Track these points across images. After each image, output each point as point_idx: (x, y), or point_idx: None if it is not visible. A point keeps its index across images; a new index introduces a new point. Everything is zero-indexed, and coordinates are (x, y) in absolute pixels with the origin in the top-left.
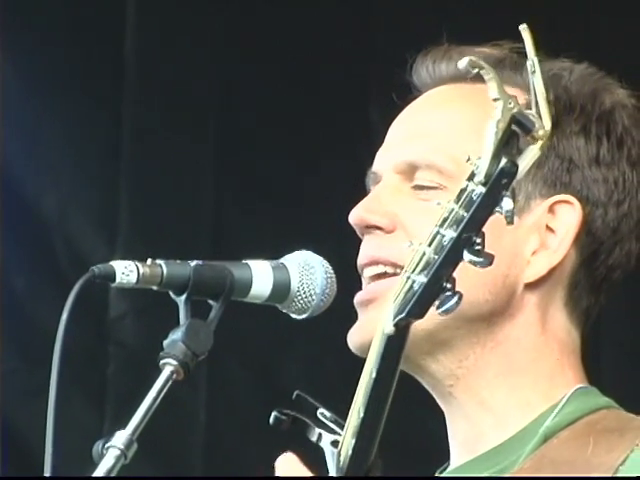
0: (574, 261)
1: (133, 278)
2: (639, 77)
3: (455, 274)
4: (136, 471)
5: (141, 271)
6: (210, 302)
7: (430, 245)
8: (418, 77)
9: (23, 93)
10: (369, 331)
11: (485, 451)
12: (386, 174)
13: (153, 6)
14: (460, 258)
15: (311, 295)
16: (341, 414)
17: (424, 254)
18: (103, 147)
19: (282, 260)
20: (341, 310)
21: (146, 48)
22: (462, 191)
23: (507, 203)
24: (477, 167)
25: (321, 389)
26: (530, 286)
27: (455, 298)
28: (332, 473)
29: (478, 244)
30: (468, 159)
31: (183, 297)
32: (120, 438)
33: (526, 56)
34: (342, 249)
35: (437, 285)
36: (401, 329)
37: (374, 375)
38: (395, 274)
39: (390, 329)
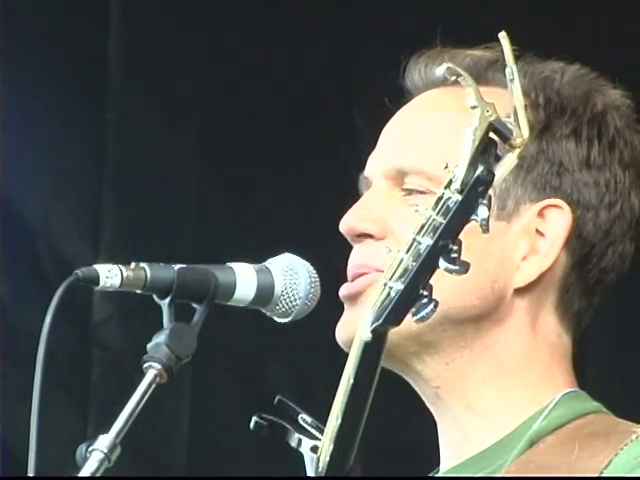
0: (565, 265)
1: (117, 281)
2: (638, 77)
3: (440, 279)
4: (120, 474)
5: (125, 274)
6: (194, 305)
7: (408, 252)
8: (410, 80)
9: (5, 97)
10: (355, 327)
11: (473, 455)
12: (376, 179)
13: (138, 7)
14: (436, 266)
15: (295, 298)
16: (326, 419)
17: (402, 261)
18: (86, 151)
19: (266, 263)
20: (325, 314)
21: (130, 50)
22: (439, 199)
23: (482, 211)
24: (454, 175)
25: (305, 394)
26: (520, 291)
27: (431, 306)
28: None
29: (454, 252)
30: (446, 166)
31: (167, 300)
32: (104, 441)
33: (518, 58)
34: (326, 253)
35: (414, 292)
36: (378, 336)
37: (352, 381)
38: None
39: (367, 336)
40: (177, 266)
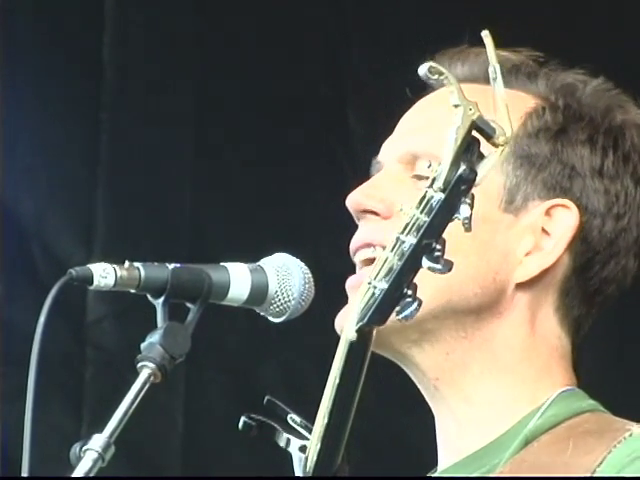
0: (567, 267)
1: (111, 281)
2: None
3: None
4: (114, 474)
5: (119, 274)
6: (188, 305)
7: (392, 251)
8: (430, 82)
9: (1, 97)
10: None
11: (469, 454)
12: (388, 163)
13: (133, 7)
14: (420, 265)
15: (289, 298)
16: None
17: (386, 260)
18: (80, 151)
19: (260, 263)
20: (319, 314)
21: (125, 51)
22: (423, 197)
23: (465, 210)
24: (438, 173)
25: (299, 394)
26: (521, 286)
27: (415, 304)
28: None
29: (438, 250)
30: (429, 165)
31: (161, 300)
32: (97, 441)
33: (543, 64)
34: (320, 252)
35: (398, 292)
36: (363, 335)
37: (337, 381)
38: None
39: (352, 335)
40: (171, 266)
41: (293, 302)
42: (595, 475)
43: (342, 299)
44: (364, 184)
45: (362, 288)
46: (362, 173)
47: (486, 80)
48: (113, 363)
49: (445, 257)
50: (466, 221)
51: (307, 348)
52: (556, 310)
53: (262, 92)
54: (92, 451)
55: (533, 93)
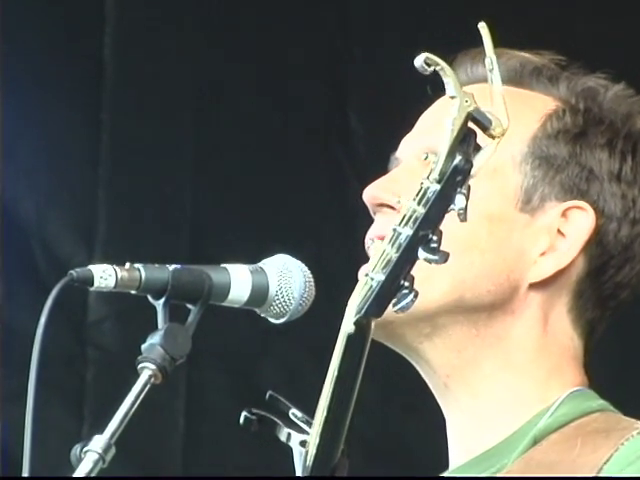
0: (581, 269)
1: (111, 282)
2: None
3: (457, 261)
4: (115, 475)
5: (119, 275)
6: (188, 306)
7: (389, 243)
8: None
9: (1, 98)
10: None
11: (479, 454)
12: (406, 159)
13: (133, 7)
14: (416, 256)
15: (289, 299)
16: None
17: (384, 252)
18: (81, 151)
19: (260, 264)
20: (320, 314)
21: (125, 53)
22: (420, 189)
23: (460, 200)
24: (434, 164)
25: (300, 394)
26: (535, 286)
27: (411, 296)
28: (299, 473)
29: (434, 241)
30: (426, 157)
31: (161, 301)
32: (98, 442)
33: (565, 68)
34: (321, 253)
35: (395, 283)
36: (361, 328)
37: (336, 374)
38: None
39: (350, 328)
40: (171, 267)
41: (294, 303)
42: (602, 472)
43: (343, 298)
44: (381, 178)
45: (360, 280)
46: (362, 173)
47: (507, 81)
48: (114, 363)
49: (441, 248)
50: (461, 211)
51: (308, 349)
52: (569, 311)
53: (262, 92)
54: (93, 452)
55: (554, 96)
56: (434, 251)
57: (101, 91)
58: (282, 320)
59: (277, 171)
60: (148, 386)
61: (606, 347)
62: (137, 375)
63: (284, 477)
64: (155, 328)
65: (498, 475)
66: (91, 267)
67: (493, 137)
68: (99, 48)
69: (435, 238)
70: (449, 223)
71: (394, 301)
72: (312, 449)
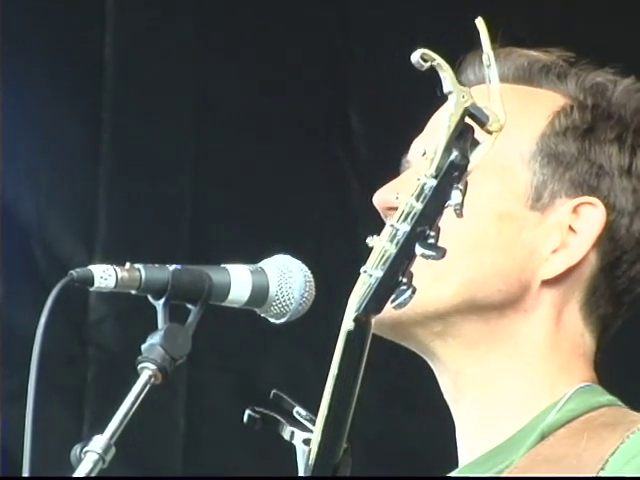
0: (594, 265)
1: (111, 282)
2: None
3: (469, 259)
4: (115, 475)
5: (119, 275)
6: (188, 306)
7: (388, 240)
8: (465, 76)
9: (2, 97)
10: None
11: (486, 451)
12: (416, 161)
13: (133, 7)
14: (414, 252)
15: (289, 299)
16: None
17: (382, 249)
18: (81, 151)
19: (261, 264)
20: (320, 314)
21: (126, 52)
22: (418, 185)
23: (456, 196)
24: (432, 160)
25: (301, 394)
26: (547, 283)
27: (409, 292)
28: (301, 471)
29: (432, 237)
30: (424, 153)
31: (161, 301)
32: (98, 443)
33: (574, 64)
34: (321, 253)
35: (393, 280)
36: (361, 325)
37: (336, 372)
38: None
39: (350, 325)
40: (172, 267)
41: (294, 303)
42: (608, 464)
43: (343, 298)
44: (391, 182)
45: (360, 278)
46: (363, 173)
47: (515, 79)
48: (115, 363)
49: (439, 244)
50: (457, 207)
51: (309, 348)
52: (581, 308)
53: (263, 92)
54: (92, 452)
55: (563, 92)
56: (431, 247)
57: (101, 90)
58: (282, 320)
59: (277, 171)
60: (148, 386)
61: (615, 344)
62: (137, 375)
63: (284, 477)
64: (155, 328)
65: (506, 472)
66: (91, 267)
67: (490, 133)
68: (99, 48)
69: (432, 234)
70: (458, 223)
71: (392, 297)
72: (315, 447)
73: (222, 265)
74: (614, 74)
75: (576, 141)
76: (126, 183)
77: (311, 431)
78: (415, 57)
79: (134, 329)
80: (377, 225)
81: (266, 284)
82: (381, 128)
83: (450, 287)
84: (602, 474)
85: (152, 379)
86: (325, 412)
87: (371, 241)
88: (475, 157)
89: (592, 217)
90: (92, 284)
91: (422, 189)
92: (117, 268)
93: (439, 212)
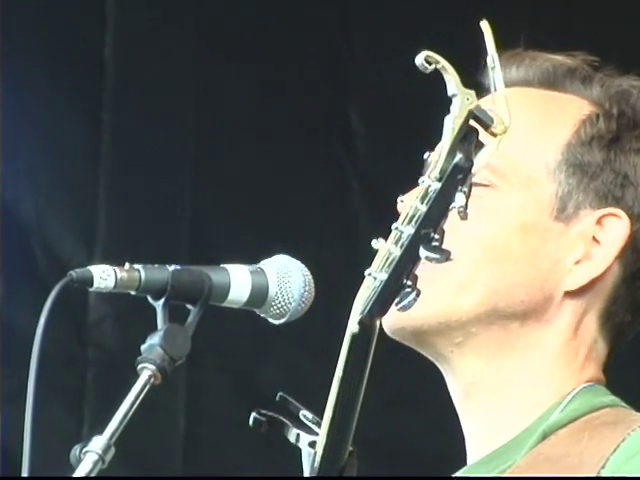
0: (617, 276)
1: (111, 283)
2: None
3: (491, 270)
4: (114, 475)
5: (119, 276)
6: (188, 306)
7: (392, 242)
8: (488, 79)
9: (2, 98)
10: (404, 314)
11: (491, 451)
12: None
13: (134, 8)
14: (418, 255)
15: (289, 300)
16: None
17: (387, 251)
18: (81, 151)
19: (260, 265)
20: (320, 315)
21: (126, 52)
22: (422, 187)
23: (460, 198)
24: (436, 163)
25: (301, 394)
26: (569, 294)
27: (413, 294)
28: (307, 474)
29: (436, 240)
30: (428, 156)
31: (161, 302)
32: (98, 443)
33: (598, 69)
34: (321, 253)
35: (397, 282)
36: (366, 327)
37: (341, 374)
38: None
39: (355, 328)
40: (171, 267)
41: (293, 304)
42: (608, 462)
43: (343, 299)
44: (415, 189)
45: (365, 280)
46: (363, 173)
47: (540, 84)
48: (115, 363)
49: (444, 247)
50: (461, 210)
51: (309, 349)
52: (599, 317)
53: (264, 93)
54: (92, 453)
55: (587, 98)
56: (435, 249)
57: (101, 90)
58: (282, 321)
59: (277, 171)
60: (147, 387)
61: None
62: (137, 375)
63: (284, 477)
64: (155, 328)
65: (508, 472)
66: (91, 268)
67: (495, 135)
68: (99, 48)
69: (437, 237)
70: (482, 232)
71: (397, 300)
72: (320, 449)
73: (222, 265)
74: (639, 80)
75: (602, 151)
76: (126, 183)
77: (317, 434)
78: (419, 59)
79: (134, 329)
80: (377, 225)
81: (266, 284)
82: (381, 128)
83: (473, 297)
84: (603, 472)
85: (152, 379)
86: (330, 414)
87: (376, 244)
88: (479, 159)
89: (616, 229)
90: (91, 285)
91: (426, 192)
92: (116, 269)
93: (443, 215)
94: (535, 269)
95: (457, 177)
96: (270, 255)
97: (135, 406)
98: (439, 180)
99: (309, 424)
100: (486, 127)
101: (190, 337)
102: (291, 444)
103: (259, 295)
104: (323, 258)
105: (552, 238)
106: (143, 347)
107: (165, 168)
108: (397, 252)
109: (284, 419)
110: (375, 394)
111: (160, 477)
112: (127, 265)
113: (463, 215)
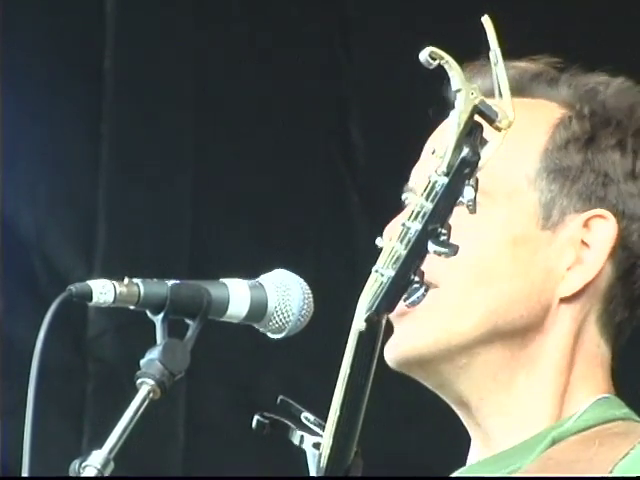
0: (610, 276)
1: (110, 297)
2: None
3: (488, 289)
4: None
5: (118, 290)
6: (187, 321)
7: (399, 240)
8: (482, 80)
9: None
10: (405, 346)
11: (499, 452)
12: (418, 187)
13: (133, 9)
14: (425, 250)
15: (288, 315)
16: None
17: (394, 249)
18: (81, 164)
19: (259, 279)
20: (320, 327)
21: (126, 63)
22: (428, 183)
23: (469, 192)
24: (442, 158)
25: (300, 406)
26: (565, 301)
27: (422, 290)
28: (313, 475)
29: (444, 234)
30: (433, 152)
31: (160, 316)
32: (97, 457)
33: (563, 70)
34: (320, 268)
35: (405, 279)
36: (372, 325)
37: (347, 372)
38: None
39: (361, 325)
40: (170, 282)
41: (292, 318)
42: (616, 468)
43: (343, 311)
44: (399, 215)
45: (371, 277)
46: (363, 185)
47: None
48: (114, 377)
49: (451, 241)
50: (470, 203)
51: (308, 360)
52: (598, 319)
53: (263, 106)
54: (91, 467)
55: (557, 101)
56: (443, 244)
57: (101, 102)
58: (281, 335)
59: (277, 184)
60: (147, 401)
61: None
62: (137, 389)
63: (284, 477)
64: (155, 342)
65: (518, 474)
66: (90, 282)
67: (499, 129)
68: (100, 59)
69: (444, 231)
70: (470, 255)
71: (405, 296)
72: (326, 450)
73: (221, 280)
74: (604, 75)
75: (579, 153)
76: (125, 197)
77: (320, 435)
78: (423, 55)
79: (134, 343)
80: (376, 238)
81: (265, 299)
82: (381, 141)
83: (471, 320)
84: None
85: (151, 394)
86: (336, 413)
87: (380, 242)
88: (485, 154)
89: (603, 230)
90: (91, 299)
91: (433, 187)
92: (116, 283)
93: (451, 209)
94: (530, 282)
95: (465, 171)
96: (270, 268)
97: (134, 421)
98: (446, 175)
99: (312, 426)
100: (491, 121)
101: (189, 352)
102: (290, 455)
103: (258, 310)
104: (322, 271)
105: (541, 248)
106: (142, 362)
107: (165, 181)
108: (403, 248)
109: (287, 422)
110: (373, 404)
111: (160, 477)
112: (126, 279)
113: (472, 209)
